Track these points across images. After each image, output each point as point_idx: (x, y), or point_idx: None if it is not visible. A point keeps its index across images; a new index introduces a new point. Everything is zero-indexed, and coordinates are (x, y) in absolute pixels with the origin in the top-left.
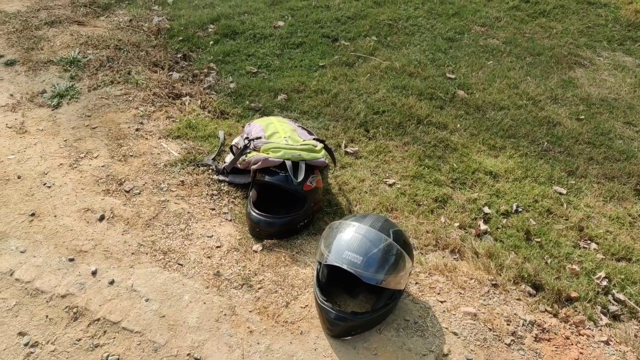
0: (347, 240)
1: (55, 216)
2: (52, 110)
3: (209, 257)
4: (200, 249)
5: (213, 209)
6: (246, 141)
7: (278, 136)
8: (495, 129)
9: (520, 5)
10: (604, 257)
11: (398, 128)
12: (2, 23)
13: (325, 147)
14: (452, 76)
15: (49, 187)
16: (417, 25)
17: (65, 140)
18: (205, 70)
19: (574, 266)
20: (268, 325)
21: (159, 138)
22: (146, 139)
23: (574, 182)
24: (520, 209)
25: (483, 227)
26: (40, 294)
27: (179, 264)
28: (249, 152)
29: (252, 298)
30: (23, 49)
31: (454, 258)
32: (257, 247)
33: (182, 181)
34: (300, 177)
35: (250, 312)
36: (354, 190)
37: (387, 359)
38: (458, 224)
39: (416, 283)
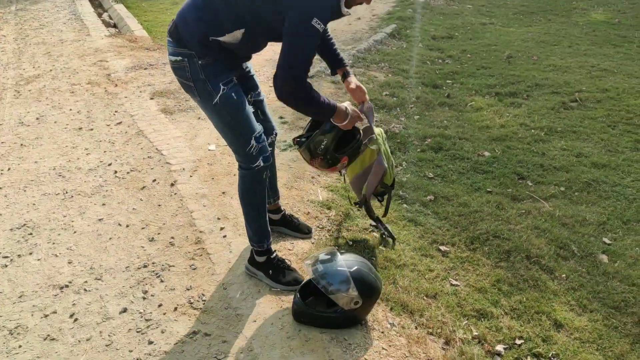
0: (322, 257)
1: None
2: (280, 151)
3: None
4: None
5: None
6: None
7: None
8: (603, 294)
9: None
10: None
11: (504, 254)
12: None
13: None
14: (608, 241)
15: None
16: (618, 193)
17: None
18: (395, 164)
19: None
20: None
21: (321, 186)
22: (313, 184)
23: None
24: None
25: (501, 350)
26: None
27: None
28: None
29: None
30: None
31: (442, 346)
32: None
33: (309, 212)
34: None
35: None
36: (405, 267)
37: (309, 347)
38: (477, 333)
39: (382, 332)
